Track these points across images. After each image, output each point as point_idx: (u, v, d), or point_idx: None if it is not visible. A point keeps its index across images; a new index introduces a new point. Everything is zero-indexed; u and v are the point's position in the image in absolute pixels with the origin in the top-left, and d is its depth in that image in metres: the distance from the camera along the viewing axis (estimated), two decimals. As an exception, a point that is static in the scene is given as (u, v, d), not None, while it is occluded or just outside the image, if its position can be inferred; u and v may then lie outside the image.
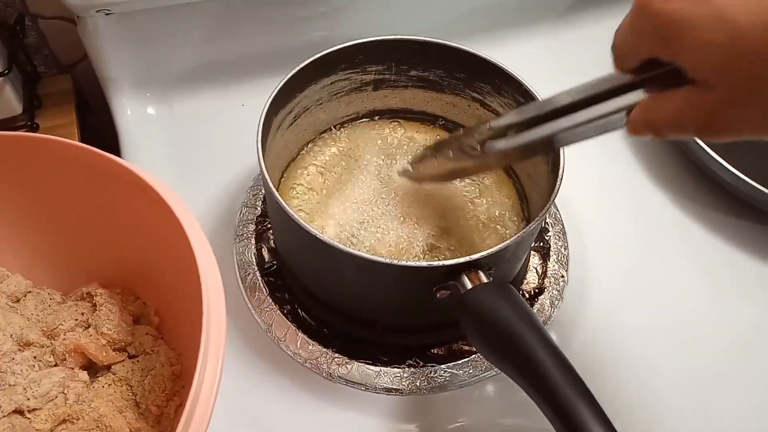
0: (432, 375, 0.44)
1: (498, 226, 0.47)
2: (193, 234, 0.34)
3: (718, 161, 0.51)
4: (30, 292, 0.43)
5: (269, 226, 0.50)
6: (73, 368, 0.39)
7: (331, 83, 0.49)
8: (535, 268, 0.49)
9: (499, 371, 0.43)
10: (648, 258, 0.51)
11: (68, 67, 0.64)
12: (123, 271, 0.43)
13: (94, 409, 0.36)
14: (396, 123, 0.54)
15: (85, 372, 0.40)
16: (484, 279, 0.35)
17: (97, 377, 0.39)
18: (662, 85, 0.27)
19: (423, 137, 0.53)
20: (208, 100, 0.59)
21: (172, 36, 0.56)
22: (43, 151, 0.40)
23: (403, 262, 0.36)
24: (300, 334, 0.45)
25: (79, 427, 0.36)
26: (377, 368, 0.44)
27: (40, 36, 0.60)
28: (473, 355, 0.44)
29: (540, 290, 0.48)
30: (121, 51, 0.54)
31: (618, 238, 0.52)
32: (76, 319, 0.40)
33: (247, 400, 0.43)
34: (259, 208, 0.51)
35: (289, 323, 0.45)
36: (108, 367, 0.40)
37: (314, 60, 0.46)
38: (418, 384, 0.43)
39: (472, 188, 0.49)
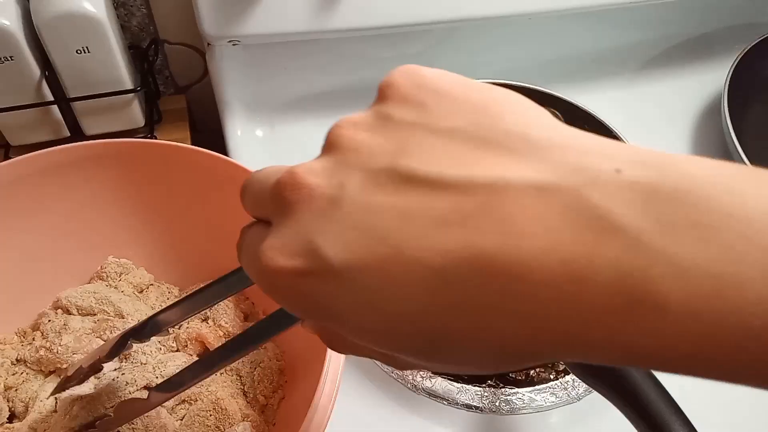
0: (511, 397, 0.46)
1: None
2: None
3: None
4: (152, 284, 0.48)
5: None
6: (192, 354, 0.43)
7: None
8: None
9: (576, 400, 0.46)
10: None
11: (183, 88, 0.70)
12: (235, 273, 0.48)
13: (212, 393, 0.40)
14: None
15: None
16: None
17: (211, 366, 0.43)
18: None
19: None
20: (307, 126, 0.64)
21: (284, 68, 0.62)
22: (165, 156, 0.45)
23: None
24: (388, 346, 0.48)
25: (198, 408, 0.40)
26: (459, 385, 0.47)
27: (163, 59, 0.67)
28: (551, 382, 0.47)
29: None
30: (240, 78, 0.61)
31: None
32: (196, 312, 0.45)
33: (338, 404, 0.46)
34: (353, 228, 0.55)
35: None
36: (221, 358, 0.44)
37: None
38: (497, 404, 0.46)
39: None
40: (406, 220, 0.16)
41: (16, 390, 0.41)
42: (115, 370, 0.41)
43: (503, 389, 0.46)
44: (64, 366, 0.41)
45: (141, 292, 0.48)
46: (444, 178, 0.16)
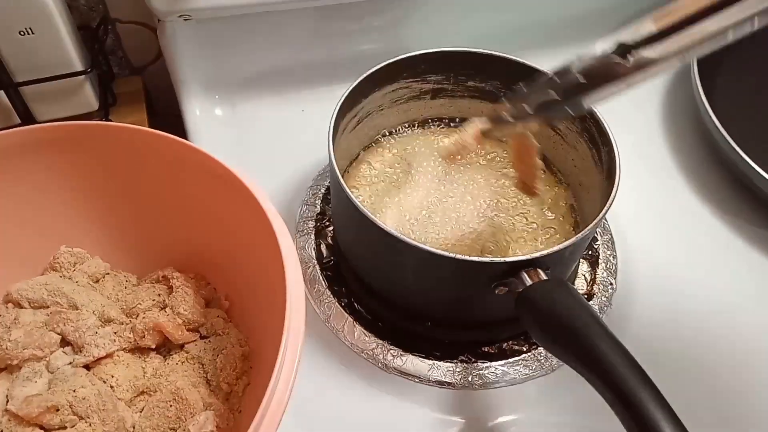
0: (483, 371, 0.45)
1: (551, 230, 0.49)
2: (277, 222, 0.37)
3: (764, 177, 0.52)
4: (108, 273, 0.46)
5: (327, 223, 0.53)
6: (150, 346, 0.41)
7: (393, 90, 0.52)
8: (584, 275, 0.50)
9: (550, 371, 0.45)
10: (694, 272, 0.53)
11: (139, 69, 0.68)
12: (195, 258, 0.46)
13: (171, 383, 0.39)
14: (452, 130, 0.56)
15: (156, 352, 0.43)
16: (543, 277, 0.37)
17: (171, 355, 0.42)
18: None
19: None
20: (270, 104, 0.62)
21: (241, 43, 0.59)
22: (125, 140, 0.43)
23: (466, 257, 0.38)
24: (357, 326, 0.47)
25: (158, 399, 0.38)
26: (430, 362, 0.45)
27: (116, 39, 0.64)
28: (524, 354, 0.46)
29: (589, 296, 0.49)
30: (195, 55, 0.58)
31: (665, 251, 0.54)
32: (153, 300, 0.43)
33: (305, 385, 0.45)
34: (318, 206, 0.54)
35: (347, 315, 0.47)
36: (181, 347, 0.42)
37: (380, 67, 0.49)
38: (469, 379, 0.45)
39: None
40: None
41: (-34, 389, 0.39)
42: (69, 363, 0.39)
43: (475, 363, 0.46)
44: (15, 362, 0.39)
45: (97, 281, 0.46)
46: None
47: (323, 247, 0.51)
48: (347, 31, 0.64)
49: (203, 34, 0.57)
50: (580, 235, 0.39)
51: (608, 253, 0.51)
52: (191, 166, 0.42)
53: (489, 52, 0.50)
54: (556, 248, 0.38)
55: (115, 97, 0.62)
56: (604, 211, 0.40)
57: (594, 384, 0.31)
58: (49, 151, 0.43)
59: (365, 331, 0.47)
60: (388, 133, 0.55)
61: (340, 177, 0.42)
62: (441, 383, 0.45)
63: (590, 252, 0.52)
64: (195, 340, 0.42)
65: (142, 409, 0.39)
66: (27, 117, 0.58)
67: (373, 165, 0.53)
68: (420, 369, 0.45)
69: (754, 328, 0.50)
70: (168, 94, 0.64)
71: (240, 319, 0.44)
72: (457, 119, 0.56)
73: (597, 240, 0.52)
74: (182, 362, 0.41)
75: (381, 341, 0.46)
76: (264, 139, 0.60)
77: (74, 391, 0.37)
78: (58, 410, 0.37)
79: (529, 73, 0.49)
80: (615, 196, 0.41)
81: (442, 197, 0.50)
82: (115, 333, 0.41)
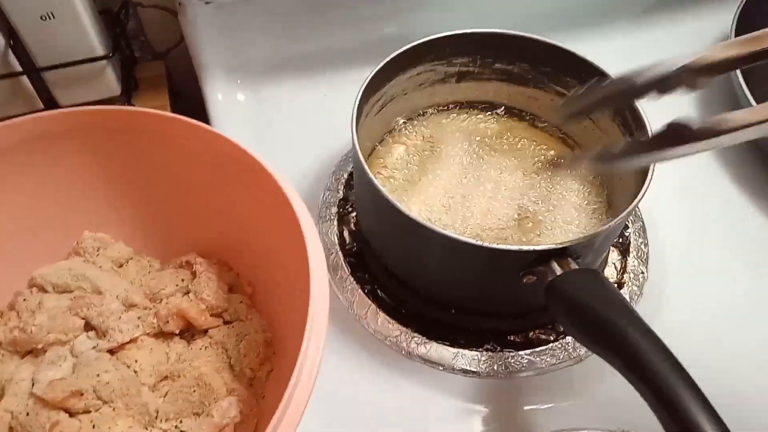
0: (510, 360, 0.44)
1: (582, 217, 0.48)
2: (300, 209, 0.36)
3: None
4: (132, 258, 0.46)
5: (350, 209, 0.52)
6: (174, 331, 0.41)
7: (418, 74, 0.51)
8: (614, 264, 0.49)
9: (578, 361, 0.44)
10: (729, 261, 0.51)
11: (161, 54, 0.67)
12: (218, 244, 0.46)
13: (195, 368, 0.39)
14: (479, 114, 0.55)
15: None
16: (573, 266, 0.36)
17: (195, 340, 0.42)
18: None
19: (503, 128, 0.54)
20: (293, 89, 0.61)
21: (263, 27, 0.59)
22: (149, 125, 0.42)
23: (494, 245, 0.37)
24: (380, 312, 0.46)
25: (181, 384, 0.38)
26: (455, 350, 0.45)
27: (138, 23, 0.64)
28: (551, 344, 0.45)
29: (619, 285, 0.48)
30: (216, 39, 0.57)
31: (698, 240, 0.52)
32: (177, 285, 0.43)
33: (328, 371, 0.44)
34: (341, 192, 0.53)
35: (370, 302, 0.46)
36: (205, 332, 0.42)
37: (405, 50, 0.48)
38: (495, 368, 0.44)
39: (557, 179, 0.50)
40: None
41: (-8, 372, 0.39)
42: (93, 348, 0.39)
43: (501, 352, 0.45)
44: (40, 346, 0.39)
45: (120, 266, 0.46)
46: None
47: (346, 234, 0.51)
48: (371, 14, 0.62)
49: (225, 18, 0.56)
50: (611, 223, 0.37)
51: (639, 241, 0.50)
52: (213, 151, 0.41)
53: (516, 33, 0.49)
54: (586, 236, 0.36)
55: (137, 82, 0.62)
56: (636, 200, 0.38)
57: (629, 378, 0.30)
58: (74, 137, 0.43)
59: (389, 318, 0.46)
60: (413, 117, 0.54)
61: (364, 163, 0.41)
62: (465, 371, 0.44)
63: (621, 240, 0.50)
64: (218, 326, 0.42)
65: (166, 393, 0.39)
66: (50, 102, 0.58)
67: (397, 149, 0.52)
68: (444, 357, 0.45)
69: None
70: (191, 78, 0.63)
71: (263, 305, 0.44)
72: (486, 104, 0.55)
73: (628, 228, 0.51)
74: (205, 347, 0.41)
75: (404, 328, 0.45)
76: (287, 125, 0.60)
77: (98, 375, 0.37)
78: (82, 395, 0.37)
79: (559, 55, 0.48)
80: (648, 186, 0.39)
81: (469, 183, 0.49)
82: (139, 318, 0.41)
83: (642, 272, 0.48)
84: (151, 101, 0.62)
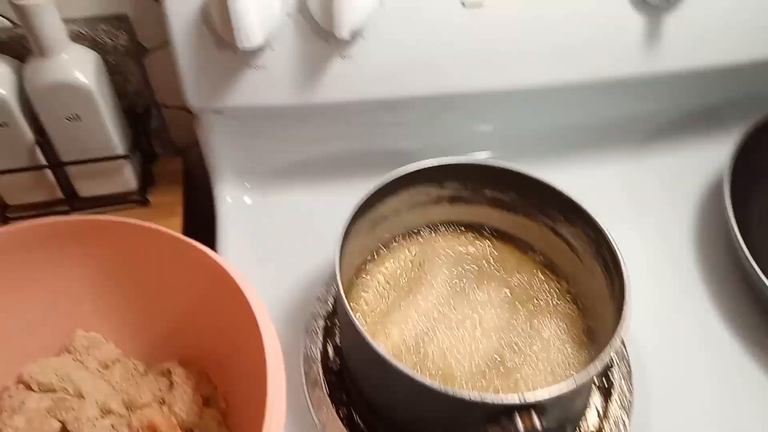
0: None
1: (566, 354, 0.47)
2: (267, 333, 0.37)
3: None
4: (119, 361, 0.48)
5: (338, 322, 0.53)
6: (143, 442, 0.42)
7: (410, 196, 0.53)
8: (596, 407, 0.48)
9: None
10: (721, 412, 0.49)
11: (182, 150, 0.71)
12: (200, 353, 0.47)
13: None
14: (469, 235, 0.56)
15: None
16: (537, 424, 0.36)
17: (163, 453, 0.42)
18: None
19: (493, 251, 0.55)
20: (298, 194, 0.64)
21: (274, 135, 0.62)
22: (132, 235, 0.45)
23: (457, 392, 0.37)
24: (352, 439, 0.46)
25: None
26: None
27: (161, 121, 0.68)
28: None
29: None
30: (229, 145, 0.61)
31: (688, 385, 0.51)
32: (154, 394, 0.44)
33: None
34: (330, 304, 0.54)
35: (343, 426, 0.46)
36: (174, 445, 0.43)
37: (395, 178, 0.49)
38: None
39: (537, 312, 0.50)
40: None
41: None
42: (63, 457, 0.41)
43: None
44: (14, 449, 0.41)
45: (106, 367, 0.47)
46: None
47: (330, 349, 0.51)
48: (381, 123, 0.65)
49: (237, 126, 0.60)
50: (573, 381, 0.37)
51: (623, 384, 0.49)
52: (189, 261, 0.43)
53: (504, 165, 0.50)
54: (547, 395, 0.36)
55: (153, 177, 0.65)
56: (605, 351, 0.38)
57: None
58: (68, 242, 0.46)
59: (360, 447, 0.46)
60: (405, 234, 0.56)
61: (341, 291, 0.42)
62: None
63: (604, 380, 0.49)
64: (187, 441, 0.43)
65: None
66: (70, 192, 0.62)
67: (386, 268, 0.54)
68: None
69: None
70: (208, 174, 0.67)
71: (235, 423, 0.44)
72: (477, 226, 0.56)
73: (612, 367, 0.50)
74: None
75: (375, 458, 0.45)
76: (289, 229, 0.62)
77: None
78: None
79: (545, 190, 0.49)
80: (619, 340, 0.39)
81: (452, 311, 0.50)
82: (113, 426, 0.42)
83: (624, 422, 0.47)
84: (166, 196, 0.65)
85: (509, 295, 0.51)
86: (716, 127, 0.68)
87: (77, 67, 0.53)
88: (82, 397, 0.44)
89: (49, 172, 0.59)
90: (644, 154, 0.68)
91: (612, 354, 0.45)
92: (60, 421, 0.42)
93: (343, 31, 0.47)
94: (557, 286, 0.52)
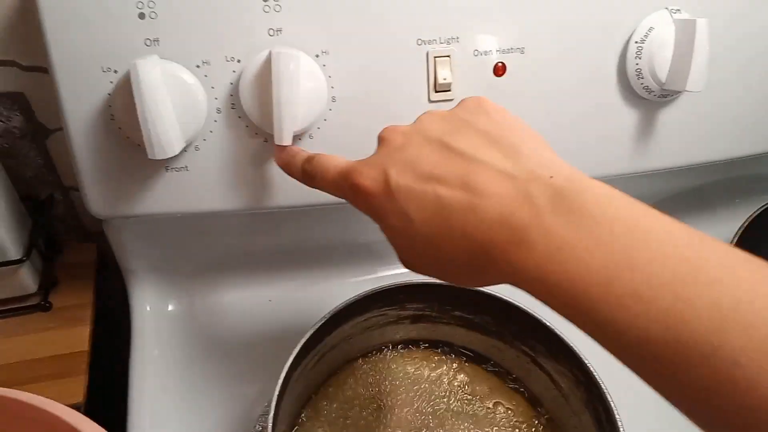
0: None
1: None
2: None
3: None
4: None
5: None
6: None
7: (365, 320, 0.44)
8: None
9: None
10: None
11: (95, 235, 0.61)
12: None
13: None
14: (433, 355, 0.48)
15: None
16: None
17: None
18: None
19: (462, 372, 0.47)
20: (233, 295, 0.54)
21: (196, 233, 0.52)
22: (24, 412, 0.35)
23: None
24: None
25: None
26: None
27: (69, 206, 0.58)
28: None
29: None
30: (144, 247, 0.51)
31: None
32: None
33: None
34: (269, 444, 0.45)
35: None
36: None
37: (349, 303, 0.41)
38: None
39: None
40: (433, 166, 0.29)
41: None
42: None
43: None
44: None
45: None
46: (464, 152, 0.28)
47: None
48: (334, 222, 0.56)
49: (152, 228, 0.50)
50: None
51: None
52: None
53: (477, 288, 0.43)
54: None
55: (56, 276, 0.55)
56: None
57: None
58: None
59: None
60: (359, 359, 0.47)
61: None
62: None
63: None
64: None
65: None
66: (-44, 300, 0.51)
67: (339, 397, 0.45)
68: None
69: None
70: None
71: None
72: (442, 343, 0.48)
73: None
74: None
75: None
76: (225, 337, 0.52)
77: None
78: None
79: (519, 314, 0.42)
80: None
81: (414, 459, 0.42)
82: None
83: None
84: (72, 298, 0.55)
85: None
86: (708, 217, 0.63)
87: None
88: None
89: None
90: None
91: None
92: None
93: (285, 138, 0.37)
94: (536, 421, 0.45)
